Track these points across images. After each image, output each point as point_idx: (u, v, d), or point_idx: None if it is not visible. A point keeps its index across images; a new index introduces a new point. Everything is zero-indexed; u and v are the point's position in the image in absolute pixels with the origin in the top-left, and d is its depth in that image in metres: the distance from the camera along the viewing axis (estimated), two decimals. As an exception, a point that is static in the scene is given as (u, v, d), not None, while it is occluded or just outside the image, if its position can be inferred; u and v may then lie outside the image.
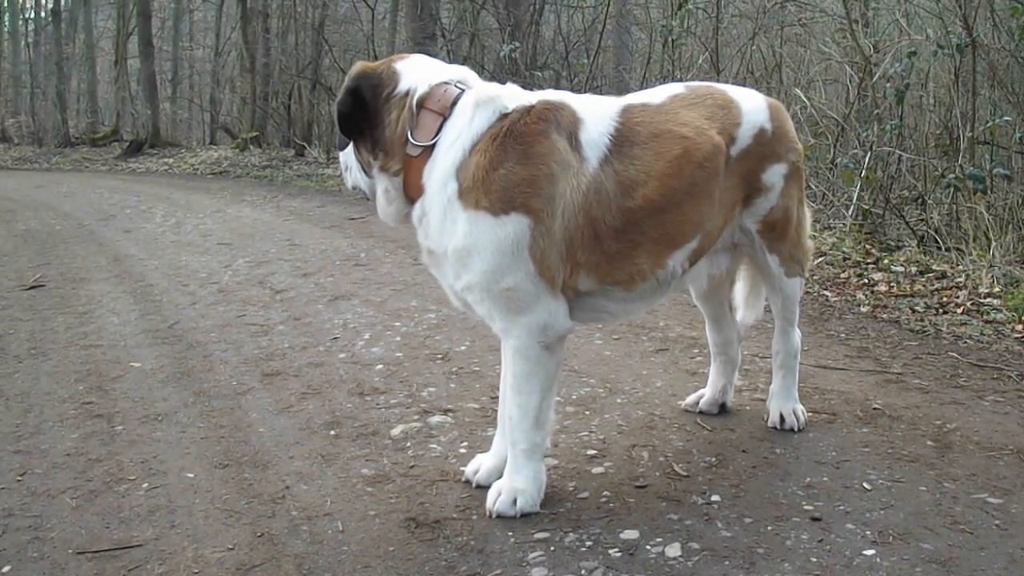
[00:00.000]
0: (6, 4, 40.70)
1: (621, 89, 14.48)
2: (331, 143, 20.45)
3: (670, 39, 12.43)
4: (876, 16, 12.57)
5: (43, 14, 40.47)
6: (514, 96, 3.41)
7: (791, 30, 13.08)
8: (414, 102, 3.36)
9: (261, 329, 6.19)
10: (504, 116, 3.32)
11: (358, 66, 3.49)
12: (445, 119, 3.35)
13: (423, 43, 16.19)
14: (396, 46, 21.87)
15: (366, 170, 3.56)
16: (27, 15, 42.07)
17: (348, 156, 3.64)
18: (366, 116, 3.43)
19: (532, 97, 3.43)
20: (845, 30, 10.20)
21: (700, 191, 3.54)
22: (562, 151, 3.27)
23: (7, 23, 41.20)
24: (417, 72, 3.45)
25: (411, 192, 3.42)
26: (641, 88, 11.88)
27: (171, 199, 15.04)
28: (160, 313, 6.78)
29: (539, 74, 15.08)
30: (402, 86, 3.41)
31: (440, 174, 3.30)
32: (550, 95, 3.48)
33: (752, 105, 3.84)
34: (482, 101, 3.35)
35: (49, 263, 9.00)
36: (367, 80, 3.43)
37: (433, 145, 3.34)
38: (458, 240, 3.26)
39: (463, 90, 3.41)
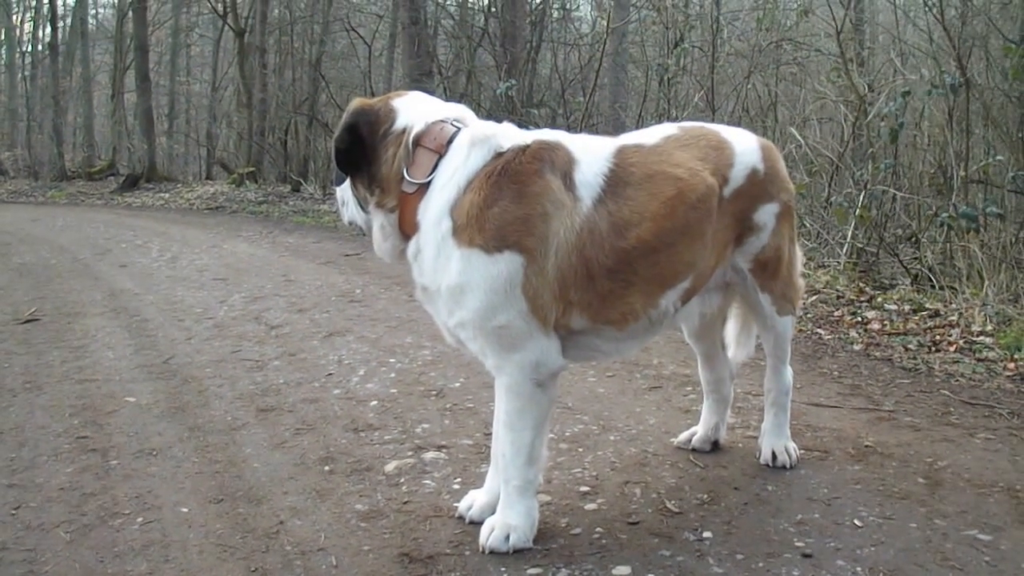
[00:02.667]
0: (3, 37, 40.80)
1: (617, 126, 14.55)
2: (327, 179, 20.50)
3: (666, 77, 12.52)
4: (871, 55, 12.69)
5: (40, 47, 40.57)
6: (509, 135, 3.45)
7: (786, 69, 13.19)
8: (410, 139, 3.40)
9: (256, 365, 6.20)
10: (499, 155, 3.35)
11: (356, 103, 3.53)
12: (441, 157, 3.38)
13: (420, 80, 16.31)
14: (393, 82, 22.04)
15: (362, 206, 3.59)
16: (24, 48, 42.16)
17: (345, 191, 3.68)
18: (363, 152, 3.46)
19: (527, 136, 3.46)
20: (840, 69, 10.27)
21: (693, 231, 3.57)
22: (556, 191, 3.31)
23: (4, 56, 41.27)
24: (414, 109, 3.50)
25: (406, 229, 3.45)
26: (637, 125, 11.99)
27: (167, 234, 15.04)
28: (155, 348, 6.78)
29: (535, 111, 15.19)
30: (399, 123, 3.45)
31: (435, 211, 3.33)
32: (545, 135, 3.52)
33: (745, 146, 3.88)
34: (477, 140, 3.38)
35: (44, 297, 8.99)
36: (364, 117, 3.47)
37: (429, 182, 3.37)
38: (452, 277, 3.29)
39: (459, 128, 3.45)
